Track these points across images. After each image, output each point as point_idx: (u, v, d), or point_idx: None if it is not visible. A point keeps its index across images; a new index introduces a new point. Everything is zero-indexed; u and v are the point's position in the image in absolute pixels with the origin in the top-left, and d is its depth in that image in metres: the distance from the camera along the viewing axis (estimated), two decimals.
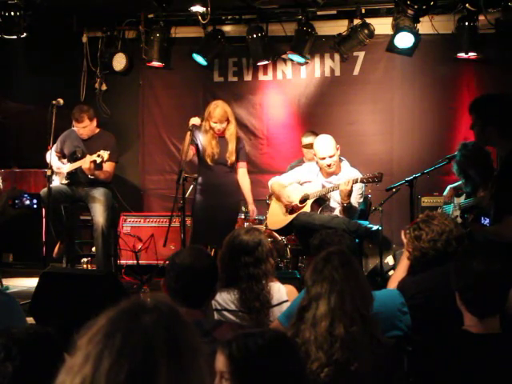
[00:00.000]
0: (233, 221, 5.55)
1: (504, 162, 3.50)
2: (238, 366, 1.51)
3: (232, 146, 5.51)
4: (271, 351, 1.54)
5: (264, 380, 1.52)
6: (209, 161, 5.49)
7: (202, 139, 5.50)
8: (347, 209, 5.14)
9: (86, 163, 5.81)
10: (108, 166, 6.03)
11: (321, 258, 2.42)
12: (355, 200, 5.24)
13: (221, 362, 1.52)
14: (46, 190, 5.70)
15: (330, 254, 2.42)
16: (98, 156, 5.75)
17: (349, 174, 5.28)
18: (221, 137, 5.53)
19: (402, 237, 3.42)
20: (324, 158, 5.25)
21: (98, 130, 6.24)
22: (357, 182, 5.03)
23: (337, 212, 5.30)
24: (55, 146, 6.04)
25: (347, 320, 2.24)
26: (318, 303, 2.28)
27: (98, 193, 6.01)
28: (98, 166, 5.88)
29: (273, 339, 1.58)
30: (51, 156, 5.82)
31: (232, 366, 1.51)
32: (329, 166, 5.26)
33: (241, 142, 5.66)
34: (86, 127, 6.06)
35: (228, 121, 5.51)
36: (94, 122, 6.17)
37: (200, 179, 5.62)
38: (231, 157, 5.52)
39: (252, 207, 5.79)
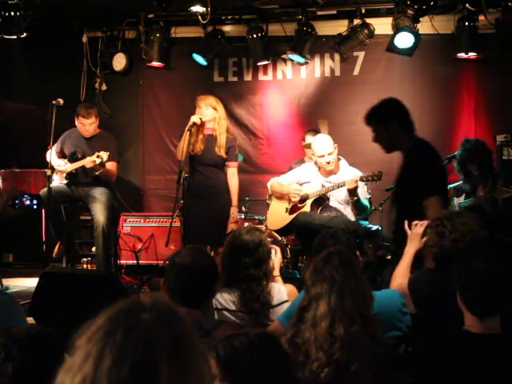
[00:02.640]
0: (223, 221, 5.52)
1: (408, 154, 3.84)
2: (225, 365, 1.53)
3: (221, 140, 5.47)
4: (256, 349, 1.55)
5: (251, 379, 1.52)
6: (193, 153, 5.48)
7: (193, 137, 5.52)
8: (356, 204, 5.15)
9: (88, 163, 5.80)
10: (111, 166, 6.03)
11: (321, 258, 2.42)
12: (363, 196, 5.26)
13: (212, 364, 1.54)
14: (45, 190, 5.70)
15: (330, 254, 2.42)
16: (98, 157, 5.74)
17: (348, 172, 5.30)
18: (210, 135, 5.51)
19: (406, 227, 3.39)
20: (323, 156, 5.27)
21: (98, 131, 6.24)
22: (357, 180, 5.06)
23: (339, 209, 5.30)
24: (55, 146, 6.03)
25: (347, 320, 2.24)
26: (318, 303, 2.28)
27: (98, 192, 6.00)
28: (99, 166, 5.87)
29: (258, 338, 1.59)
30: (51, 155, 5.82)
31: (220, 367, 1.53)
32: (328, 163, 5.27)
33: (232, 141, 5.60)
34: (92, 124, 6.05)
35: (215, 109, 5.49)
36: (98, 121, 6.18)
37: (189, 181, 5.58)
38: (220, 150, 5.46)
39: (233, 210, 5.57)
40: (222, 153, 5.47)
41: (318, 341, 2.21)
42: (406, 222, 3.42)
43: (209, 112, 5.49)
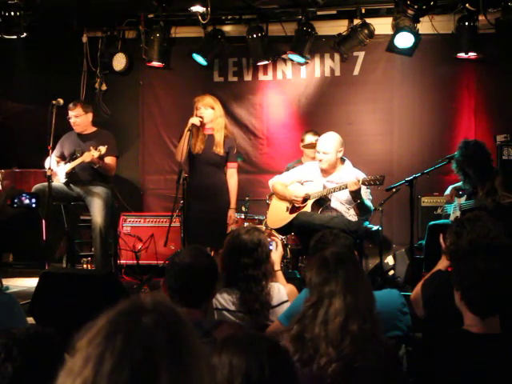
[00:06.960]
0: (222, 223, 5.52)
1: None
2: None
3: (219, 137, 5.49)
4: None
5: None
6: (194, 153, 5.49)
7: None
8: (359, 206, 5.12)
9: (87, 157, 5.78)
10: (110, 160, 6.03)
11: (332, 257, 2.40)
12: (365, 196, 5.23)
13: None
14: (38, 185, 5.73)
15: (341, 254, 2.41)
16: (96, 149, 5.74)
17: (350, 174, 5.26)
18: (210, 135, 5.53)
19: (441, 241, 3.34)
20: (318, 152, 5.29)
21: (95, 129, 6.24)
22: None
23: (340, 210, 5.29)
24: (55, 150, 6.04)
25: (360, 318, 2.23)
26: (331, 300, 2.26)
27: (97, 192, 6.00)
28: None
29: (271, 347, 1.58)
30: (50, 162, 5.81)
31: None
32: (320, 160, 5.29)
33: (232, 141, 5.61)
34: (78, 116, 6.06)
35: (213, 109, 5.51)
36: (90, 117, 6.17)
37: (189, 181, 5.56)
38: (217, 148, 5.47)
39: (231, 213, 5.57)
40: (220, 151, 5.49)
41: (328, 336, 2.20)
42: (441, 236, 3.38)
43: (208, 112, 5.52)
